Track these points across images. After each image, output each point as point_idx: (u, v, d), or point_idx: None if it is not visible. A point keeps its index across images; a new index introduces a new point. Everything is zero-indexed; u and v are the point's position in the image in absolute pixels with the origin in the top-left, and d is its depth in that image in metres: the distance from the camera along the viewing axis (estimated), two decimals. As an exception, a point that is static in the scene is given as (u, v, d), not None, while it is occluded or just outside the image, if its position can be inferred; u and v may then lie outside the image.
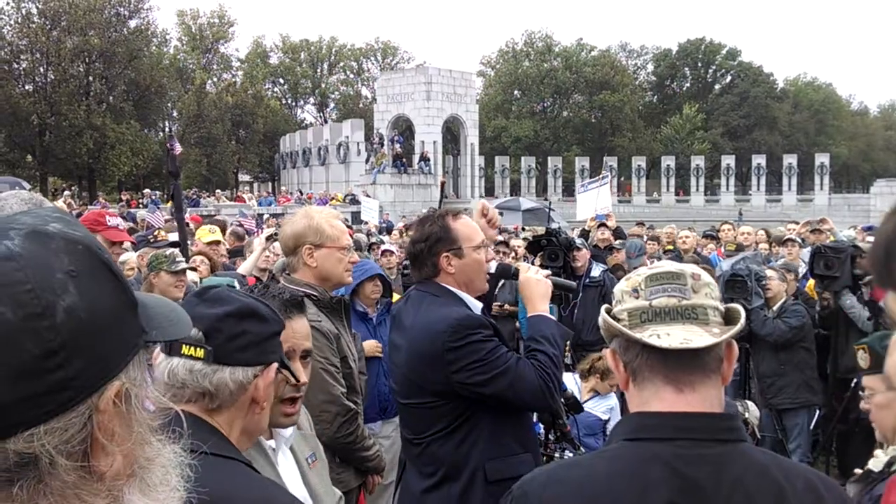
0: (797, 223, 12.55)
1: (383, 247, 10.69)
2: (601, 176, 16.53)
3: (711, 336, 1.64)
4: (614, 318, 1.72)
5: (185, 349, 1.74)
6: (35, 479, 0.84)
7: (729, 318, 1.71)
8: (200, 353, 1.74)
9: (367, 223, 21.00)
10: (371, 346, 5.55)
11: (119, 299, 0.93)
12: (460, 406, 3.19)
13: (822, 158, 52.68)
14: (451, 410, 3.19)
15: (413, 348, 3.27)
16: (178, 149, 6.92)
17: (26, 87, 50.66)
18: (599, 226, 11.30)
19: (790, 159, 52.68)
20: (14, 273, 0.84)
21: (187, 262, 6.13)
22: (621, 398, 6.37)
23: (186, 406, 1.74)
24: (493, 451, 3.19)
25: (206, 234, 7.98)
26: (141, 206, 32.70)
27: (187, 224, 10.69)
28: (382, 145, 43.56)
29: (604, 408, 6.09)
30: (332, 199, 37.54)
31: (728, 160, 53.70)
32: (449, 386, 3.15)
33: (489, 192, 53.44)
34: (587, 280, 8.31)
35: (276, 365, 1.85)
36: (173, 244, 7.70)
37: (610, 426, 6.03)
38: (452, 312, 3.19)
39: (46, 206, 1.05)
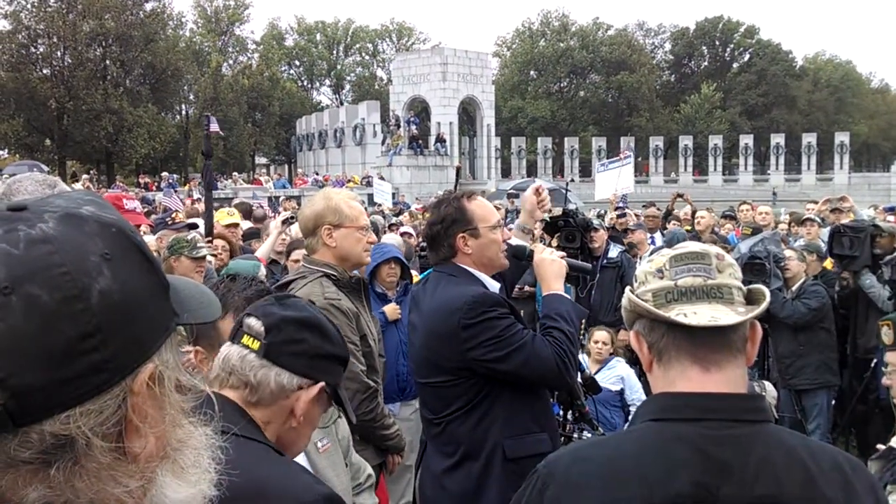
0: (816, 202, 12.44)
1: (402, 228, 10.70)
2: (624, 156, 16.20)
3: (737, 315, 1.63)
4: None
5: (245, 339, 1.81)
6: (71, 460, 0.85)
7: (751, 299, 1.71)
8: (256, 345, 1.80)
9: (380, 205, 21.01)
10: (391, 308, 5.60)
11: (152, 282, 0.94)
12: (477, 384, 3.22)
13: (841, 137, 52.15)
14: (469, 389, 3.23)
15: (429, 327, 3.32)
16: (215, 128, 6.95)
17: (44, 72, 50.86)
18: (617, 210, 11.27)
19: (809, 138, 52.19)
20: (50, 256, 0.84)
21: (212, 240, 6.16)
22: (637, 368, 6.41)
23: (227, 391, 1.80)
24: (511, 430, 3.23)
25: (224, 216, 8.00)
26: (158, 189, 32.83)
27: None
28: (398, 127, 43.48)
29: (613, 378, 6.14)
30: (349, 181, 37.53)
31: (746, 139, 53.27)
32: (465, 363, 3.19)
33: (505, 173, 53.29)
34: (604, 261, 8.29)
35: (322, 385, 1.85)
36: (191, 226, 7.75)
37: (628, 396, 6.08)
38: (468, 291, 3.23)
39: (78, 190, 1.06)
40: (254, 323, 1.82)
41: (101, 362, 0.85)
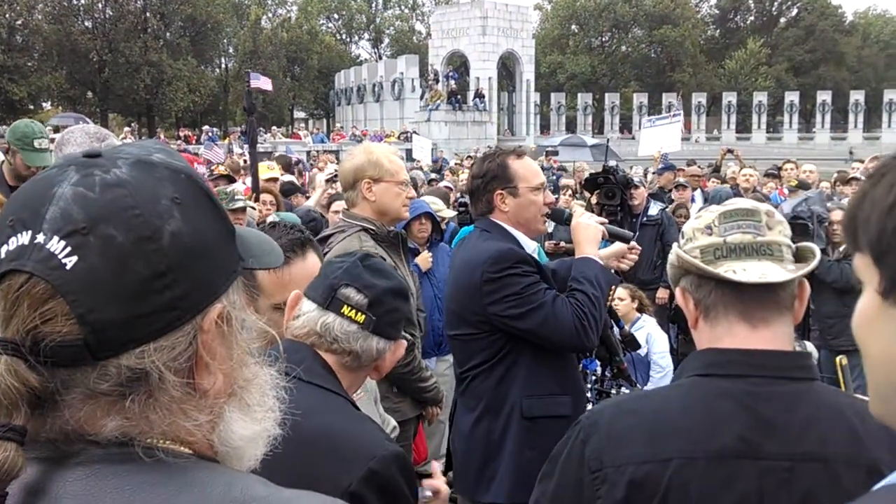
0: (862, 161, 12.17)
1: (442, 183, 10.71)
2: (672, 113, 15.84)
3: (787, 272, 1.62)
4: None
5: (345, 310, 1.88)
6: (146, 393, 0.90)
7: (799, 257, 1.70)
8: (361, 318, 1.88)
9: (418, 161, 21.00)
10: (423, 258, 5.64)
11: (219, 226, 0.98)
12: (499, 341, 3.24)
13: (891, 95, 50.70)
14: (491, 344, 3.26)
15: (457, 279, 3.38)
16: (262, 84, 6.96)
17: (85, 24, 51.23)
18: (662, 169, 11.12)
19: (857, 95, 50.84)
20: (124, 199, 0.88)
21: (257, 198, 6.21)
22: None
23: (326, 354, 1.91)
24: (531, 390, 3.25)
25: (264, 169, 8.06)
26: (198, 142, 33.07)
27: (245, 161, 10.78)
28: (437, 82, 43.19)
29: (641, 338, 6.12)
30: (387, 136, 37.48)
31: (792, 97, 52.08)
32: (486, 317, 3.21)
33: (544, 129, 52.82)
34: (644, 218, 8.25)
35: (405, 342, 2.03)
36: (229, 179, 7.82)
37: (651, 353, 6.07)
38: (494, 246, 3.24)
39: (148, 140, 1.10)
40: (354, 295, 1.89)
41: (172, 300, 0.89)
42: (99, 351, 0.86)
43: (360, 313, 1.88)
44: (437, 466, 2.17)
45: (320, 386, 1.84)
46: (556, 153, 24.45)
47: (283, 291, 2.12)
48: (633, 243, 3.58)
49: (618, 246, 3.60)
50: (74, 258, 0.85)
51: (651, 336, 6.18)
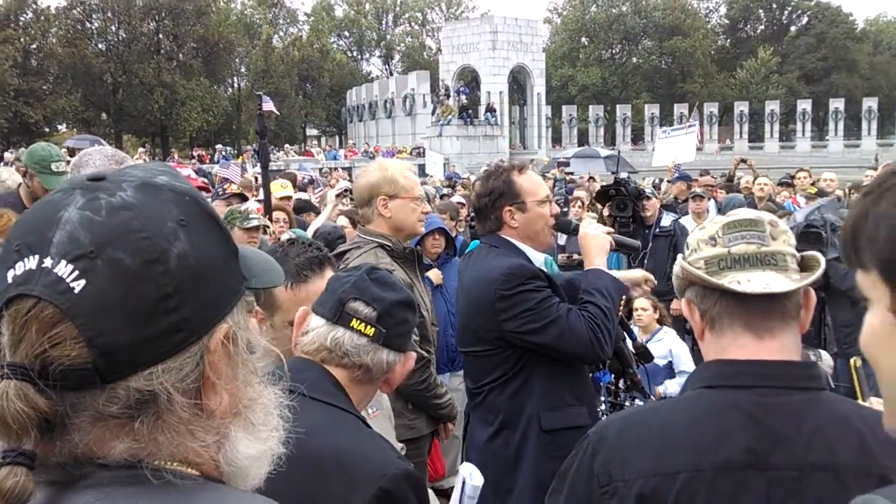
0: (875, 169, 12.10)
1: (454, 198, 10.72)
2: (688, 124, 15.77)
3: (792, 282, 1.62)
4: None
5: (354, 323, 1.89)
6: (154, 415, 0.91)
7: (805, 266, 1.70)
8: (370, 331, 1.89)
9: (431, 176, 21.05)
10: (434, 274, 5.64)
11: (223, 248, 0.99)
12: (514, 355, 3.26)
13: (904, 101, 50.57)
14: (506, 359, 3.27)
15: (468, 297, 3.38)
16: (269, 107, 7.04)
17: (99, 46, 51.74)
18: (677, 179, 11.09)
19: (870, 102, 50.52)
20: (131, 222, 0.89)
21: (271, 217, 6.24)
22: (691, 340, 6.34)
23: (335, 369, 1.92)
24: (547, 402, 3.26)
25: (277, 188, 8.10)
26: (212, 161, 33.25)
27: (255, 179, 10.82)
28: (448, 97, 43.29)
29: (662, 350, 6.08)
30: (399, 152, 37.58)
31: (804, 105, 51.81)
32: (501, 334, 3.22)
33: (556, 141, 52.78)
34: (657, 229, 8.23)
35: (414, 354, 2.04)
36: (241, 197, 7.85)
37: (676, 367, 6.04)
38: (505, 262, 3.25)
39: (152, 162, 1.12)
40: (362, 308, 1.90)
41: (180, 322, 0.90)
42: (108, 374, 0.87)
43: (369, 326, 1.89)
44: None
45: (330, 404, 1.84)
46: (567, 164, 24.43)
47: (299, 308, 2.13)
48: (648, 276, 3.57)
49: (636, 274, 3.59)
50: (82, 282, 0.86)
51: (673, 350, 6.13)
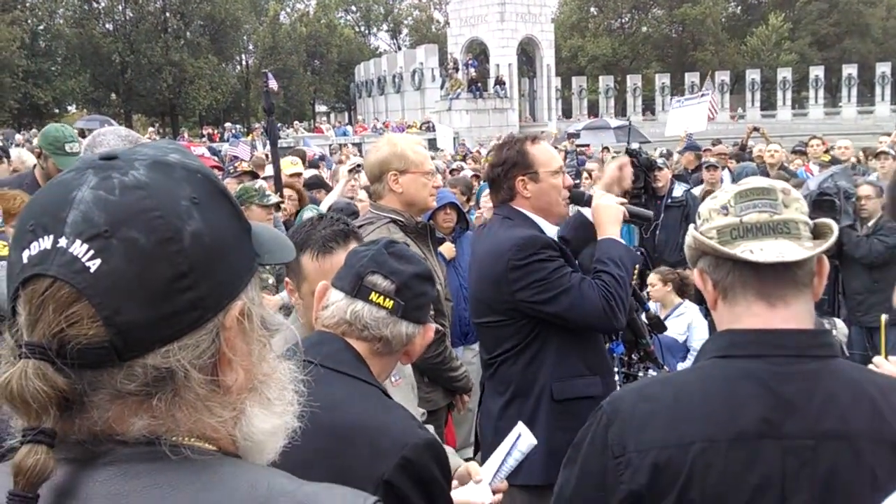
0: (889, 134, 11.98)
1: (464, 171, 10.71)
2: (701, 93, 15.61)
3: (805, 250, 1.61)
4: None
5: (373, 296, 1.91)
6: (172, 391, 0.92)
7: (817, 234, 1.69)
8: (389, 304, 1.91)
9: (442, 150, 21.01)
10: (447, 247, 5.65)
11: (236, 225, 0.99)
12: (528, 326, 3.28)
13: (918, 66, 49.92)
14: (519, 330, 3.29)
15: (481, 267, 3.40)
16: (274, 85, 7.04)
17: (107, 26, 51.68)
18: (686, 149, 11.03)
19: (884, 68, 49.94)
20: (144, 201, 0.90)
21: (281, 195, 6.26)
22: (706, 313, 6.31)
23: (355, 341, 1.94)
24: (560, 372, 3.29)
25: (287, 165, 8.10)
26: (222, 140, 33.28)
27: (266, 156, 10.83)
28: (457, 70, 43.05)
29: (681, 325, 6.06)
30: (409, 126, 37.48)
31: (816, 71, 51.26)
32: (514, 304, 3.24)
33: (566, 114, 52.49)
34: (669, 200, 8.19)
35: (433, 325, 2.07)
36: (253, 175, 7.87)
37: (689, 341, 6.01)
38: (518, 233, 3.27)
39: (162, 140, 1.12)
40: (381, 281, 1.92)
41: (195, 299, 0.91)
42: (125, 352, 0.88)
43: (388, 299, 1.91)
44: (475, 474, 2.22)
45: (351, 375, 1.87)
46: (577, 136, 24.31)
47: (325, 279, 2.17)
48: (624, 160, 3.73)
49: (608, 174, 3.72)
50: (98, 261, 0.86)
51: (692, 325, 6.09)
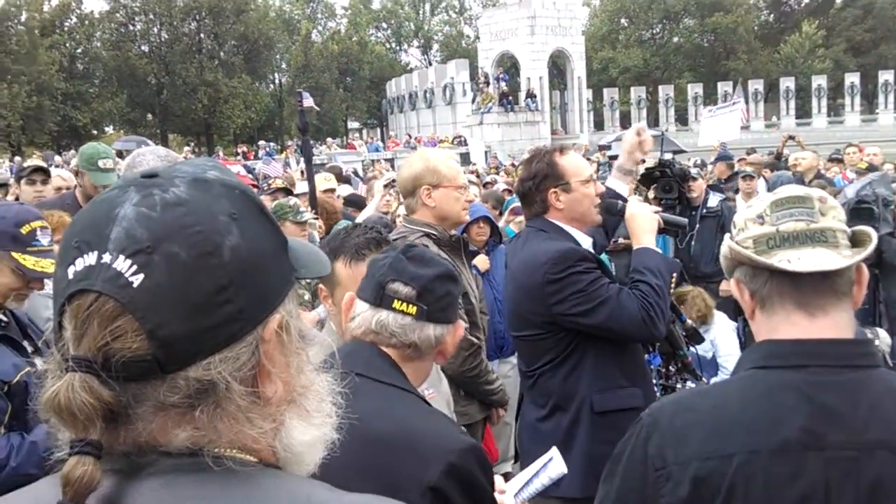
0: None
1: (497, 185, 10.71)
2: (731, 101, 15.45)
3: (843, 258, 1.60)
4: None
5: (396, 304, 1.92)
6: (213, 403, 0.94)
7: (856, 241, 1.67)
8: (413, 310, 1.92)
9: (475, 164, 21.04)
10: (481, 260, 5.66)
11: (273, 239, 1.01)
12: (566, 338, 3.27)
13: (956, 70, 49.08)
14: (558, 343, 3.28)
15: (517, 281, 3.39)
16: (309, 103, 7.08)
17: (142, 48, 52.58)
18: (719, 159, 10.93)
19: (921, 73, 49.32)
20: (184, 217, 0.92)
21: (316, 212, 6.31)
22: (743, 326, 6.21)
23: (388, 350, 1.96)
24: (599, 384, 3.27)
25: (321, 181, 8.14)
26: (256, 158, 33.63)
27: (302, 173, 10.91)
28: (488, 84, 43.12)
29: (706, 345, 5.95)
30: (441, 141, 37.58)
31: (852, 78, 50.60)
32: (552, 318, 3.23)
33: (598, 125, 52.32)
34: (704, 210, 8.11)
35: (462, 323, 2.07)
36: (287, 191, 7.94)
37: (722, 360, 5.92)
38: (554, 245, 3.26)
39: (200, 158, 1.14)
40: (402, 288, 1.92)
41: (235, 313, 0.93)
42: (168, 364, 0.89)
43: (411, 305, 1.91)
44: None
45: (387, 383, 1.89)
46: (608, 147, 24.22)
47: (357, 285, 2.20)
48: (641, 124, 3.73)
49: (627, 141, 3.77)
50: (141, 276, 0.88)
51: (717, 340, 6.01)
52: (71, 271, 0.91)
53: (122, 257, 0.89)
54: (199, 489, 0.91)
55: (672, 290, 5.69)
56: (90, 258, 0.90)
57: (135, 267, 0.88)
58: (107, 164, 4.95)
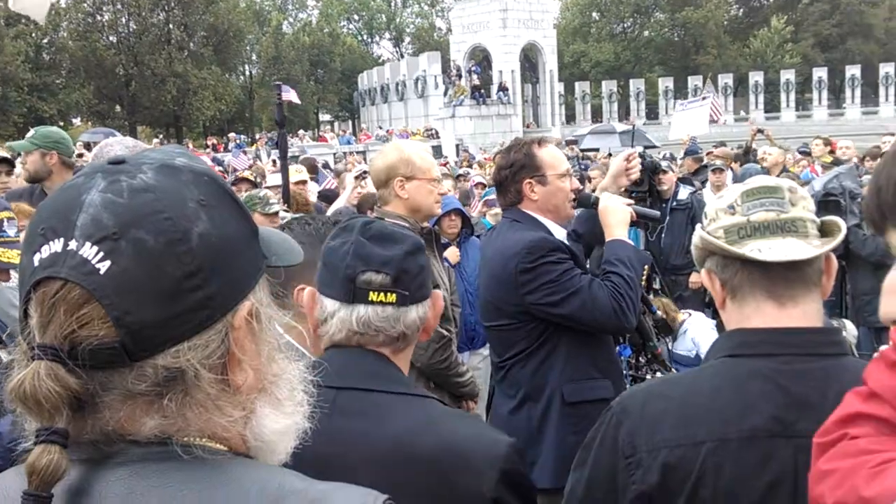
0: (893, 134, 11.96)
1: (476, 179, 10.75)
2: (702, 96, 15.57)
3: (813, 248, 1.61)
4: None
5: (372, 296, 1.71)
6: (182, 391, 0.93)
7: (824, 232, 1.69)
8: (392, 297, 1.72)
9: (446, 157, 21.05)
10: (452, 252, 5.67)
11: (243, 226, 1.00)
12: (538, 329, 3.27)
13: (922, 66, 49.81)
14: (529, 333, 3.29)
15: (490, 271, 3.39)
16: (289, 96, 6.98)
17: (110, 39, 51.89)
18: (688, 153, 11.02)
19: (887, 68, 49.84)
20: (153, 203, 0.91)
21: (288, 205, 6.28)
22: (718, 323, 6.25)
23: (379, 348, 1.76)
24: (570, 375, 3.28)
25: (292, 173, 8.10)
26: (226, 150, 33.37)
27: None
28: (460, 77, 43.16)
29: (688, 345, 6.00)
30: (413, 134, 37.53)
31: (820, 73, 51.18)
32: (523, 307, 3.24)
33: (570, 119, 52.57)
34: (674, 203, 8.18)
35: (439, 292, 1.86)
36: (250, 182, 7.90)
37: (703, 354, 5.96)
38: (527, 235, 3.27)
39: (169, 145, 1.13)
40: (374, 277, 1.71)
41: (204, 299, 0.92)
42: (135, 352, 0.89)
43: (389, 293, 1.71)
44: None
45: (404, 393, 1.74)
46: (575, 142, 24.34)
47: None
48: (632, 150, 3.71)
49: (615, 166, 3.73)
50: (108, 263, 0.87)
51: (697, 338, 6.03)
52: (37, 258, 0.90)
53: (88, 244, 0.88)
54: (168, 478, 0.90)
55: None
56: (56, 245, 0.89)
57: (101, 254, 0.87)
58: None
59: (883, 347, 2.09)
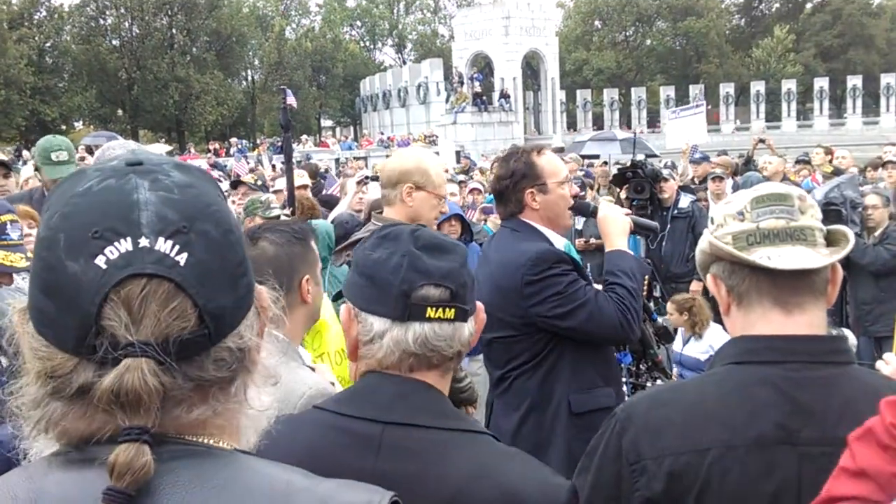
0: (894, 144, 11.94)
1: (471, 185, 10.74)
2: (695, 104, 15.57)
3: (822, 257, 1.61)
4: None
5: (430, 312, 1.55)
6: (246, 370, 0.98)
7: (831, 241, 1.68)
8: (451, 313, 1.56)
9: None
10: None
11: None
12: (542, 340, 3.24)
13: (923, 77, 49.87)
14: (534, 344, 3.25)
15: (493, 282, 3.31)
16: (292, 101, 7.02)
17: (113, 43, 52.02)
18: (692, 162, 11.02)
19: (888, 79, 49.94)
20: (201, 197, 0.95)
21: (294, 208, 6.27)
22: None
23: (429, 374, 1.60)
24: (576, 385, 3.25)
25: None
26: (228, 155, 33.42)
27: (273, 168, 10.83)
28: (462, 84, 43.21)
29: (704, 347, 6.00)
30: (415, 140, 37.57)
31: (821, 83, 51.30)
32: (528, 319, 3.20)
33: (571, 126, 52.59)
34: (675, 211, 8.18)
35: (479, 302, 1.69)
36: (247, 185, 7.92)
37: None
38: (532, 247, 3.23)
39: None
40: (433, 292, 1.55)
41: (250, 284, 0.99)
42: (216, 339, 0.92)
43: (448, 309, 1.55)
44: None
45: (456, 429, 1.59)
46: (562, 150, 24.34)
47: None
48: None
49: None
50: (185, 255, 0.90)
51: (714, 343, 5.97)
52: (102, 261, 0.88)
53: (161, 239, 0.90)
54: (203, 469, 0.92)
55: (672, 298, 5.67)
56: (124, 244, 0.89)
57: (177, 247, 0.90)
58: (60, 157, 4.85)
59: (885, 355, 2.08)
